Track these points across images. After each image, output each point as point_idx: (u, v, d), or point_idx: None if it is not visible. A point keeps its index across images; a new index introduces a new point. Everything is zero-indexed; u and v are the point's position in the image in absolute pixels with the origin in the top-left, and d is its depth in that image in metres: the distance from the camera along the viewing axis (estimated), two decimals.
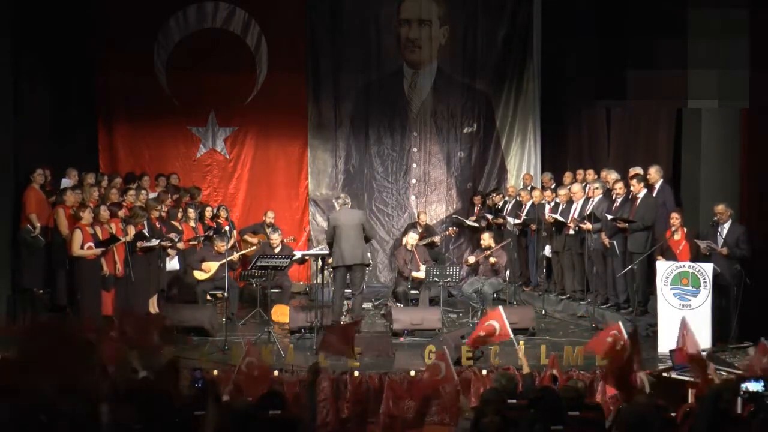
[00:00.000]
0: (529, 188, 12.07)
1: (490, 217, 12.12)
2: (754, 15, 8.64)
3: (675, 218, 8.95)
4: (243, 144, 12.96)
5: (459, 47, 13.29)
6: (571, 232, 10.46)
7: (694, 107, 9.32)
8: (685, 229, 8.98)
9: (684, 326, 6.60)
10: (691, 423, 4.54)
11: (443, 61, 13.35)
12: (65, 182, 10.16)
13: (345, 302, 9.69)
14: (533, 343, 8.74)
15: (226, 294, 9.87)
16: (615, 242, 9.57)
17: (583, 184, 10.79)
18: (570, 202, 10.65)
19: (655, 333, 8.67)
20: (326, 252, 9.80)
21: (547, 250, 11.06)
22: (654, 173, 9.64)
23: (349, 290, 9.67)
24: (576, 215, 10.39)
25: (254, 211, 12.69)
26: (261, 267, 9.42)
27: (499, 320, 7.75)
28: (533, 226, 11.34)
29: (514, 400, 5.17)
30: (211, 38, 12.67)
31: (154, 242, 9.66)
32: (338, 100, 13.16)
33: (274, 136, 13.04)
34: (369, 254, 11.09)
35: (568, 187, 10.92)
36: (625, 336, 6.73)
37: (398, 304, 10.50)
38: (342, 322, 9.34)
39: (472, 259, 10.88)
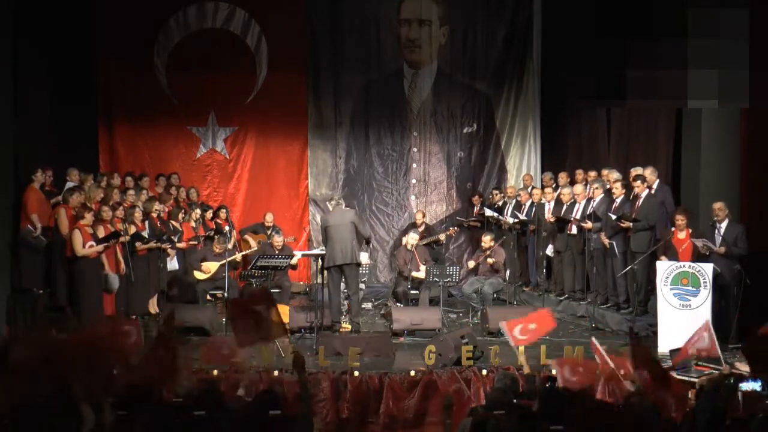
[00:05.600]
0: (529, 188, 12.06)
1: (488, 213, 12.08)
2: (754, 15, 8.64)
3: (680, 220, 8.92)
4: (243, 144, 12.96)
5: (459, 47, 13.30)
6: (573, 231, 10.46)
7: (694, 107, 9.32)
8: (690, 229, 8.98)
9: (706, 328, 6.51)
10: (691, 422, 4.54)
11: (443, 61, 13.35)
12: (70, 184, 10.18)
13: (344, 302, 9.69)
14: (533, 343, 8.71)
15: (226, 294, 9.87)
16: (614, 242, 9.56)
17: (584, 184, 10.78)
18: (573, 202, 10.65)
19: (655, 333, 8.67)
20: (325, 252, 9.79)
21: (550, 250, 11.03)
22: (649, 174, 9.65)
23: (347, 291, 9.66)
24: (578, 215, 10.38)
25: (254, 211, 12.68)
26: (261, 267, 9.42)
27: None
28: (532, 227, 11.34)
29: (515, 400, 5.18)
30: (211, 38, 12.67)
31: (152, 244, 9.67)
32: (338, 100, 13.16)
33: (274, 136, 13.04)
34: (367, 254, 11.10)
35: (571, 187, 10.90)
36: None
37: (398, 304, 10.49)
38: (342, 324, 9.37)
39: (471, 264, 10.84)
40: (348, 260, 9.22)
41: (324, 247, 9.54)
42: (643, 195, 9.46)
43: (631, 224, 9.33)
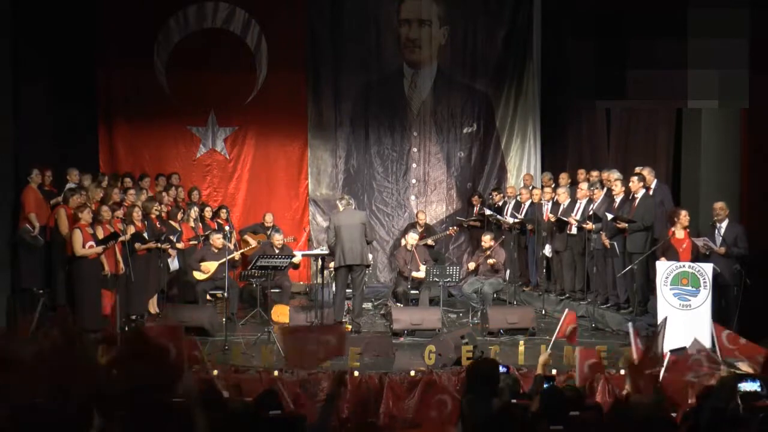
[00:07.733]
0: (529, 188, 12.06)
1: (488, 212, 12.08)
2: (754, 15, 8.64)
3: (683, 216, 8.87)
4: (243, 144, 12.97)
5: (459, 47, 13.30)
6: (573, 231, 10.46)
7: (694, 107, 9.33)
8: (688, 229, 8.97)
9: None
10: (692, 422, 4.54)
11: (443, 61, 13.35)
12: (70, 184, 10.18)
13: (345, 302, 9.70)
14: (533, 343, 8.74)
15: (226, 294, 9.87)
16: (615, 243, 9.56)
17: (587, 183, 10.78)
18: (573, 201, 10.64)
19: (655, 333, 8.66)
20: (326, 252, 9.80)
21: (547, 250, 11.04)
22: (647, 174, 9.64)
23: (350, 290, 9.67)
24: (578, 215, 10.38)
25: (254, 211, 12.69)
26: (261, 267, 9.43)
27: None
28: (530, 226, 11.34)
29: (515, 400, 5.17)
30: (211, 38, 12.67)
31: (152, 244, 9.67)
32: (338, 100, 13.16)
33: (274, 136, 13.04)
34: (369, 255, 11.11)
35: (569, 187, 10.89)
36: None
37: (398, 304, 10.50)
38: (344, 324, 9.37)
39: (472, 265, 10.85)
40: (357, 261, 9.32)
41: (324, 247, 9.56)
42: (640, 195, 9.46)
43: (626, 225, 9.33)
